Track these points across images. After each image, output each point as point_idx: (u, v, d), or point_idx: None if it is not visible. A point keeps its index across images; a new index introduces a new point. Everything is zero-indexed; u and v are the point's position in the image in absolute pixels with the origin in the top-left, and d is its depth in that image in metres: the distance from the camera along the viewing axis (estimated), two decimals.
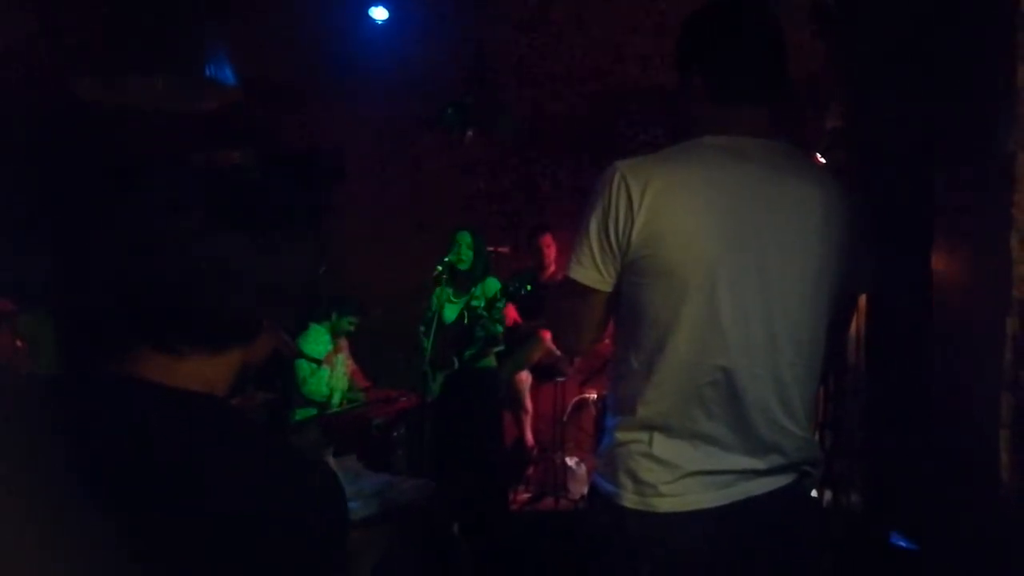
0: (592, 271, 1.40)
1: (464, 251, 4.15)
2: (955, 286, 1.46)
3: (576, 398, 5.20)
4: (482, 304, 4.03)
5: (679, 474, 1.36)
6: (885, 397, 1.93)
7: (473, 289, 4.18)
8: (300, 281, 0.88)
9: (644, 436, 1.39)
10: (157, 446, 0.77)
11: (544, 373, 4.84)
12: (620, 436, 1.42)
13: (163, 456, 0.77)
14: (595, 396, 4.93)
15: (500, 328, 4.18)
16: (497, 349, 4.25)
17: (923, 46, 1.65)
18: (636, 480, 1.38)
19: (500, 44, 4.40)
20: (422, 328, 4.22)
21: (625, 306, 1.42)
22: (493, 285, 4.19)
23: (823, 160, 2.51)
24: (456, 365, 4.10)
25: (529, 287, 4.01)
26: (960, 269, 1.46)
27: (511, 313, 4.43)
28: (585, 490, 4.42)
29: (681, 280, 1.34)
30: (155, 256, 0.80)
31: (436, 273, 4.16)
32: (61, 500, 0.74)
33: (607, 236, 1.37)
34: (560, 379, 4.85)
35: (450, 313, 4.17)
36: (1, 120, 4.18)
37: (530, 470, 4.96)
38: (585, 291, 1.42)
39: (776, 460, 1.41)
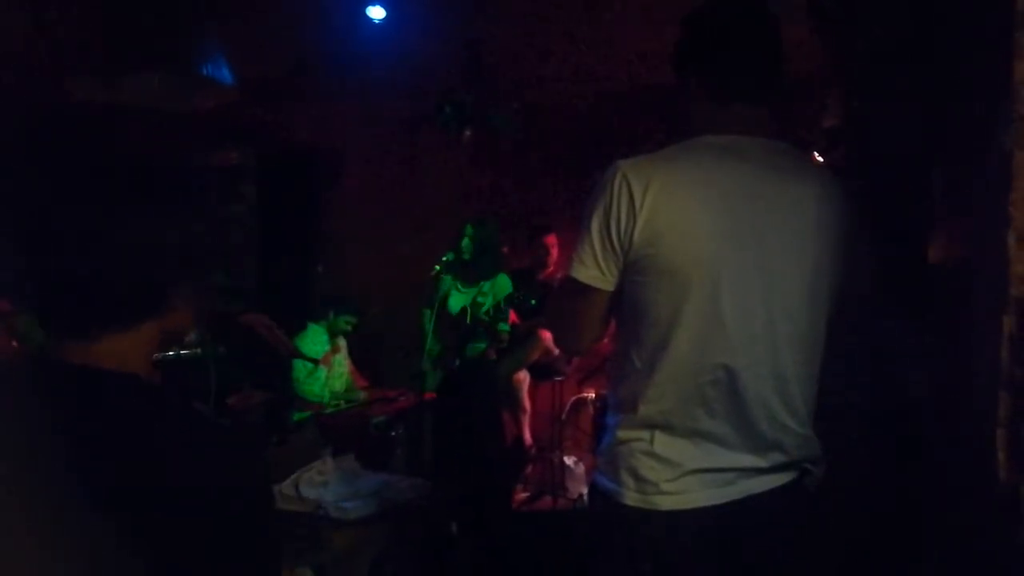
0: (594, 270, 1.40)
1: (465, 242, 4.13)
2: (953, 284, 1.46)
3: (574, 397, 5.19)
4: (488, 305, 4.02)
5: (680, 472, 1.37)
6: (884, 396, 1.93)
7: (483, 284, 4.15)
8: (201, 244, 0.95)
9: (645, 434, 1.39)
10: (88, 426, 0.82)
11: (542, 372, 4.83)
12: (621, 434, 1.43)
13: (100, 434, 0.82)
14: (593, 395, 4.93)
15: (506, 327, 4.17)
16: (501, 346, 4.23)
17: (922, 45, 1.65)
18: (637, 478, 1.38)
19: (499, 43, 4.40)
20: (426, 312, 4.20)
21: (627, 305, 1.43)
22: (504, 287, 4.14)
23: (822, 160, 2.51)
24: (457, 364, 4.09)
25: (535, 302, 4.02)
26: (958, 268, 1.46)
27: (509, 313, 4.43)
28: (583, 489, 4.42)
29: (683, 279, 1.35)
30: (77, 245, 0.86)
31: (434, 272, 4.15)
32: (14, 484, 0.78)
33: (609, 235, 1.37)
34: (558, 378, 4.84)
35: (455, 303, 4.15)
36: None
37: (528, 469, 4.95)
38: (587, 290, 1.42)
39: (777, 458, 1.41)
